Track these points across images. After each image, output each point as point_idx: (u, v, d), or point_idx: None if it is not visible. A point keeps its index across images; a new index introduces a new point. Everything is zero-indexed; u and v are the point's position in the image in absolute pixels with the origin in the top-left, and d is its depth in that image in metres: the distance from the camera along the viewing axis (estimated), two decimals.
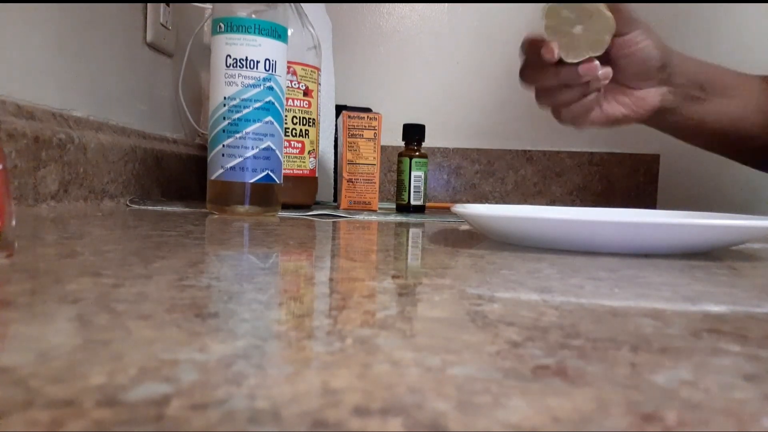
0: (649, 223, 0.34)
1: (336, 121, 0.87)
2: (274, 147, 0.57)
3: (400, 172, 0.74)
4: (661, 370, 0.14)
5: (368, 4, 1.11)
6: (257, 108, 0.55)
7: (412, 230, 0.50)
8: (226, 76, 0.55)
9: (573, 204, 1.10)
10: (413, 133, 0.74)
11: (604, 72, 0.58)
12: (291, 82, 0.67)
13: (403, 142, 0.75)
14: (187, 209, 0.61)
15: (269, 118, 0.56)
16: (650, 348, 0.16)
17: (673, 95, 0.65)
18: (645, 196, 1.11)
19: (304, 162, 0.69)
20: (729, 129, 0.69)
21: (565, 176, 1.10)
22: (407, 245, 0.39)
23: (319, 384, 0.12)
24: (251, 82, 0.55)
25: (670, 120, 0.69)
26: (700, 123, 0.68)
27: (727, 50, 1.04)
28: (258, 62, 0.55)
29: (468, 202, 1.09)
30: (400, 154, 0.74)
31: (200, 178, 0.85)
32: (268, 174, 0.56)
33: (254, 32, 0.55)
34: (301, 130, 0.68)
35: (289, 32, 0.65)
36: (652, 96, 0.64)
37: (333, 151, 0.87)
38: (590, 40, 0.57)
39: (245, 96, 0.55)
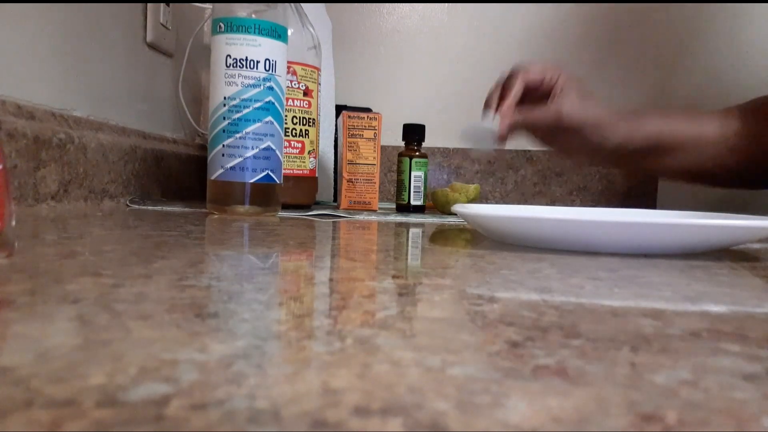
0: (649, 223, 0.34)
1: (336, 121, 0.87)
2: (274, 147, 0.57)
3: (400, 172, 0.74)
4: (661, 370, 0.14)
5: (368, 4, 1.11)
6: (257, 108, 0.55)
7: (412, 230, 0.50)
8: (226, 76, 0.55)
9: (573, 204, 1.10)
10: (413, 133, 0.74)
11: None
12: (291, 82, 0.67)
13: (403, 142, 0.75)
14: (187, 209, 0.61)
15: (269, 118, 0.56)
16: (650, 348, 0.16)
17: (606, 159, 0.71)
18: (645, 196, 1.11)
19: (304, 162, 0.69)
20: (690, 176, 0.72)
21: (565, 176, 1.10)
22: (407, 245, 0.39)
23: (319, 384, 0.12)
24: (251, 82, 0.55)
25: (625, 170, 0.74)
26: (654, 173, 0.73)
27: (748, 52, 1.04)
28: (258, 62, 0.55)
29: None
30: (400, 154, 0.74)
31: (200, 178, 0.85)
32: (268, 174, 0.56)
33: (254, 32, 0.55)
34: (301, 130, 0.68)
35: (289, 32, 0.65)
36: (582, 155, 0.70)
37: (333, 151, 0.87)
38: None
39: (245, 96, 0.55)
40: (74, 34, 0.61)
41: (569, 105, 0.65)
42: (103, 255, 0.28)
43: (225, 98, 0.55)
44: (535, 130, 0.67)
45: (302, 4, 0.71)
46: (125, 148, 0.67)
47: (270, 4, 0.56)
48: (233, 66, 0.55)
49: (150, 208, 0.62)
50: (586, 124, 0.65)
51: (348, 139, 0.72)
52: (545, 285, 0.25)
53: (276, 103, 0.57)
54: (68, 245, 0.30)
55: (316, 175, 0.72)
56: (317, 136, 0.71)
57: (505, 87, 0.66)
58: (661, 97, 1.07)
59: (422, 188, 0.73)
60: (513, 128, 0.65)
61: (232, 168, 0.55)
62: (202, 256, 0.29)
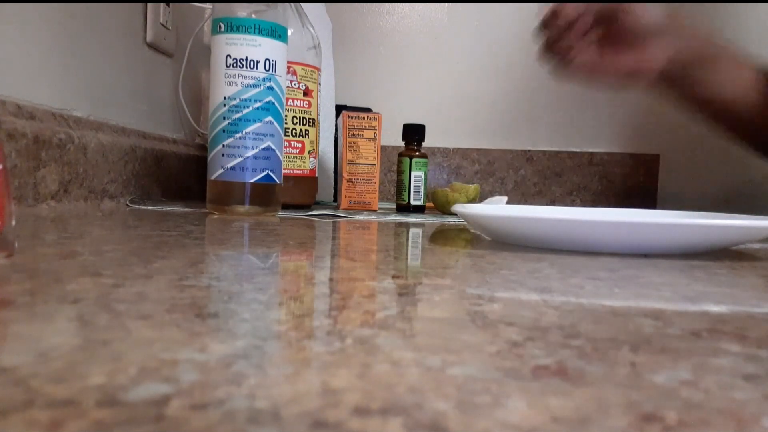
0: (649, 223, 0.34)
1: (336, 121, 0.87)
2: (274, 147, 0.57)
3: (400, 172, 0.74)
4: (661, 370, 0.14)
5: (368, 4, 1.11)
6: (257, 108, 0.55)
7: (412, 230, 0.50)
8: (226, 76, 0.55)
9: (573, 204, 1.10)
10: (413, 133, 0.74)
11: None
12: (291, 82, 0.67)
13: (403, 142, 0.75)
14: (187, 209, 0.61)
15: (269, 118, 0.56)
16: (650, 348, 0.16)
17: (681, 56, 0.66)
18: (645, 196, 1.11)
19: (304, 162, 0.69)
20: (739, 100, 0.69)
21: (565, 176, 1.10)
22: (407, 245, 0.39)
23: (319, 384, 0.12)
24: (251, 82, 0.55)
25: (678, 85, 0.70)
26: (709, 91, 0.68)
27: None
28: (258, 62, 0.55)
29: None
30: (400, 154, 0.74)
31: (200, 178, 0.85)
32: (268, 174, 0.56)
33: (254, 32, 0.55)
34: (301, 130, 0.68)
35: (289, 32, 0.65)
36: (657, 55, 0.65)
37: (333, 151, 0.87)
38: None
39: (245, 96, 0.55)
40: (74, 34, 0.61)
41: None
42: (103, 255, 0.28)
43: (225, 98, 0.55)
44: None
45: (302, 4, 0.71)
46: (125, 148, 0.67)
47: (270, 4, 0.56)
48: (233, 66, 0.55)
49: (150, 208, 0.62)
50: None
51: (348, 139, 0.72)
52: (545, 285, 0.25)
53: (276, 103, 0.57)
54: (68, 245, 0.30)
55: (316, 175, 0.72)
56: (317, 136, 0.71)
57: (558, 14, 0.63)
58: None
59: (422, 188, 0.73)
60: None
61: (232, 168, 0.55)
62: (202, 256, 0.29)
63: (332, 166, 0.87)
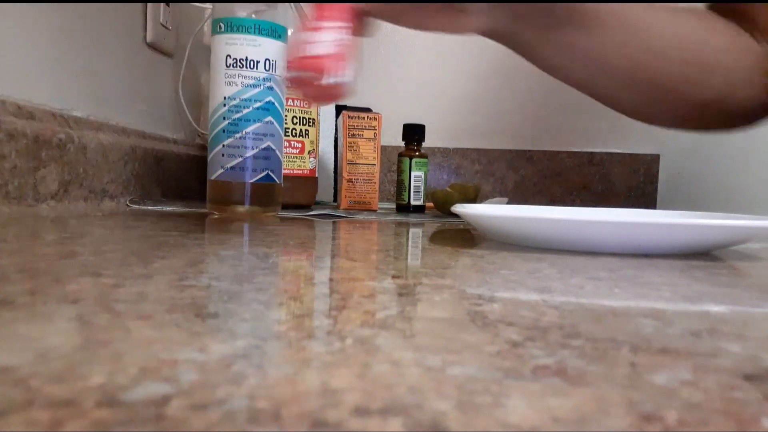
0: (649, 223, 0.34)
1: (336, 121, 0.87)
2: (274, 147, 0.57)
3: (400, 172, 0.74)
4: (661, 370, 0.14)
5: None
6: (257, 108, 0.55)
7: (412, 230, 0.50)
8: (226, 76, 0.55)
9: (573, 204, 1.10)
10: (413, 133, 0.74)
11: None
12: None
13: (403, 142, 0.75)
14: (187, 209, 0.61)
15: (269, 118, 0.56)
16: (650, 348, 0.16)
17: (505, 18, 0.51)
18: (645, 196, 1.11)
19: (304, 162, 0.69)
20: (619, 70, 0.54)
21: (565, 176, 1.10)
22: (407, 245, 0.39)
23: (319, 384, 0.12)
24: (251, 82, 0.55)
25: (523, 46, 0.56)
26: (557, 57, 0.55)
27: None
28: (258, 62, 0.55)
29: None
30: (400, 154, 0.74)
31: (200, 178, 0.85)
32: (268, 174, 0.56)
33: (254, 32, 0.55)
34: (301, 130, 0.68)
35: (289, 32, 0.65)
36: (473, 17, 0.51)
37: (333, 151, 0.87)
38: None
39: (245, 96, 0.55)
40: (74, 34, 0.61)
41: None
42: (103, 255, 0.28)
43: (225, 98, 0.55)
44: None
45: (302, 4, 0.71)
46: (125, 148, 0.67)
47: (270, 4, 0.56)
48: (233, 66, 0.55)
49: (150, 208, 0.62)
50: None
51: (348, 139, 0.72)
52: (545, 285, 0.25)
53: (276, 103, 0.57)
54: (68, 245, 0.30)
55: (316, 175, 0.72)
56: (317, 136, 0.71)
57: None
58: None
59: (422, 188, 0.73)
60: None
61: (232, 168, 0.55)
62: (202, 256, 0.29)
63: (332, 166, 0.87)
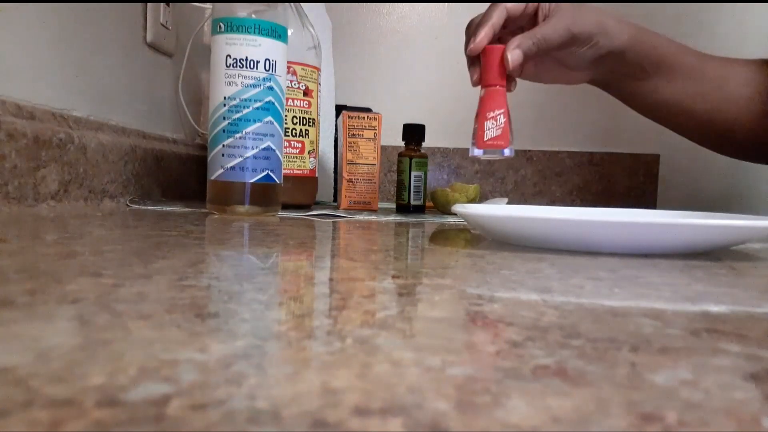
0: (649, 223, 0.34)
1: (336, 121, 0.87)
2: (274, 147, 0.57)
3: (400, 172, 0.74)
4: (661, 370, 0.14)
5: (368, 4, 1.11)
6: (257, 108, 0.55)
7: (412, 230, 0.50)
8: (226, 76, 0.55)
9: (573, 204, 1.10)
10: (413, 133, 0.74)
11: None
12: (291, 82, 0.67)
13: (403, 142, 0.75)
14: (187, 209, 0.61)
15: (269, 118, 0.56)
16: (650, 348, 0.16)
17: (602, 74, 0.67)
18: (645, 196, 1.11)
19: (304, 162, 0.69)
20: (682, 111, 0.68)
21: (565, 176, 1.10)
22: (407, 245, 0.39)
23: (319, 384, 0.12)
24: (251, 82, 0.55)
25: (614, 91, 0.71)
26: (642, 99, 0.70)
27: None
28: (258, 62, 0.55)
29: None
30: (400, 154, 0.74)
31: (200, 178, 0.85)
32: (268, 174, 0.56)
33: (254, 32, 0.55)
34: (301, 130, 0.68)
35: (289, 32, 0.65)
36: (579, 72, 0.68)
37: (333, 151, 0.87)
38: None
39: (245, 96, 0.55)
40: (74, 34, 0.61)
41: (570, 16, 0.60)
42: (103, 255, 0.28)
43: (225, 98, 0.55)
44: (547, 49, 0.60)
45: (302, 4, 0.71)
46: (125, 148, 0.67)
47: (270, 4, 0.56)
48: (233, 66, 0.55)
49: (150, 208, 0.62)
50: (594, 28, 0.60)
51: (348, 139, 0.72)
52: (545, 285, 0.25)
53: (276, 103, 0.57)
54: (68, 245, 0.30)
55: (316, 175, 0.72)
56: (317, 136, 0.71)
57: (485, 17, 0.61)
58: None
59: (422, 188, 0.73)
60: (525, 51, 0.59)
61: (232, 168, 0.55)
62: (202, 256, 0.29)
63: (332, 166, 0.87)
